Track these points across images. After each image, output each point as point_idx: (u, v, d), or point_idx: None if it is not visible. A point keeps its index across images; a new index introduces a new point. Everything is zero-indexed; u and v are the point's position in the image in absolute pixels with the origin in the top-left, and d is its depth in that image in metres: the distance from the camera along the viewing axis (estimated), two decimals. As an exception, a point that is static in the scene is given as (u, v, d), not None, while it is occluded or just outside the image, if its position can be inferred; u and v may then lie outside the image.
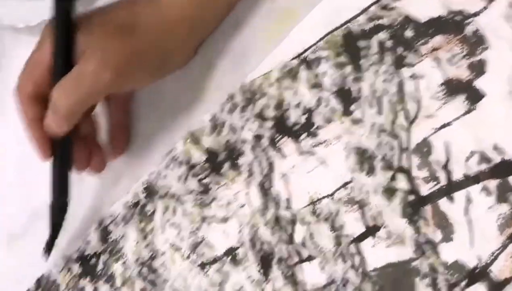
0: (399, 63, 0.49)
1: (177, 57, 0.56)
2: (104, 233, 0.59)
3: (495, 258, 0.44)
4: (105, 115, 0.59)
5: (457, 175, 0.46)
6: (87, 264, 0.59)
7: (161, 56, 0.54)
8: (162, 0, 0.53)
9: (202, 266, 0.54)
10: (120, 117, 0.59)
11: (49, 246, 0.58)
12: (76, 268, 0.59)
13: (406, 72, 0.49)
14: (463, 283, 0.45)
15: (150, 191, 0.57)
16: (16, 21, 0.68)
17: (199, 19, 0.55)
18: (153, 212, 0.57)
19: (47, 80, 0.53)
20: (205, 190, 0.55)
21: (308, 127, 0.52)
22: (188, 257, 0.55)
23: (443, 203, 0.46)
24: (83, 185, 0.61)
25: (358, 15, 0.51)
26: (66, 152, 0.55)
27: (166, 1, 0.53)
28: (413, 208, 0.47)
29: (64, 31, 0.53)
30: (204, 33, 0.56)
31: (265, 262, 0.52)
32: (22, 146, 0.65)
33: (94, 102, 0.54)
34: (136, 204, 0.58)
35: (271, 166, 0.53)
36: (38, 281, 0.61)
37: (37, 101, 0.54)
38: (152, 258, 0.56)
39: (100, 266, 0.58)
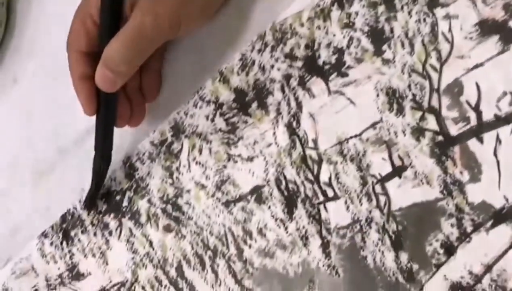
0: (433, 3, 0.48)
1: None
2: (130, 170, 0.59)
3: (523, 199, 0.43)
4: None
5: (488, 116, 0.45)
6: (112, 201, 0.59)
7: None
8: None
9: (227, 204, 0.54)
10: (153, 63, 0.59)
11: (90, 201, 0.59)
12: (101, 205, 0.60)
13: (440, 12, 0.48)
14: (489, 224, 0.44)
15: (177, 129, 0.57)
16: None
17: None
18: (180, 150, 0.57)
19: (97, 37, 0.53)
20: (232, 129, 0.55)
21: (338, 67, 0.51)
22: (213, 195, 0.55)
23: (472, 143, 0.46)
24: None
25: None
26: (113, 107, 0.55)
27: None
28: (441, 148, 0.47)
29: None
30: None
31: (290, 201, 0.52)
32: (51, 84, 0.66)
33: (147, 57, 0.53)
34: (162, 142, 0.58)
35: (299, 105, 0.52)
36: (63, 217, 0.61)
37: (87, 57, 0.54)
38: (177, 195, 0.56)
39: (125, 203, 0.59)
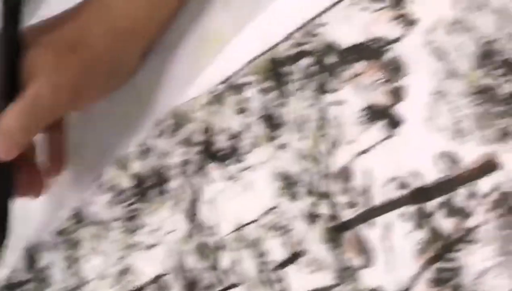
0: (322, 89, 0.49)
1: (128, 65, 0.55)
2: (31, 261, 0.58)
3: (414, 283, 0.44)
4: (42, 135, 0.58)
5: (376, 201, 0.46)
6: (14, 293, 0.58)
7: (113, 67, 0.53)
8: (109, 6, 0.52)
9: (128, 294, 0.53)
10: (57, 137, 0.58)
11: None
12: (3, 298, 0.58)
13: (328, 98, 0.49)
14: (383, 309, 0.45)
15: (78, 218, 0.57)
16: None
17: (145, 26, 0.54)
18: (80, 240, 0.56)
19: None
20: (132, 216, 0.54)
21: (234, 153, 0.52)
22: (114, 284, 0.54)
23: (362, 228, 0.46)
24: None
25: (283, 40, 0.51)
26: (10, 179, 0.53)
27: (113, 7, 0.52)
28: (334, 233, 0.47)
29: (11, 51, 0.51)
30: (150, 39, 0.56)
31: (191, 289, 0.51)
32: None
33: (45, 126, 0.52)
34: (62, 232, 0.57)
35: (197, 191, 0.52)
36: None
37: None
38: (79, 286, 0.55)
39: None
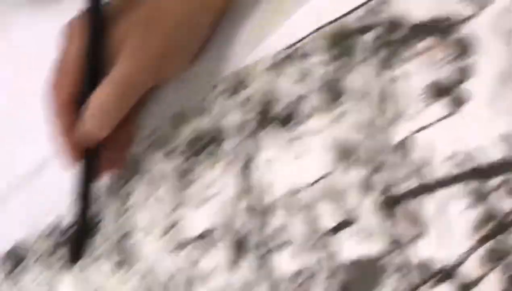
0: (385, 63, 0.50)
1: (203, 32, 0.56)
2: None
3: (465, 259, 0.44)
4: None
5: (434, 176, 0.47)
6: (60, 237, 0.59)
7: (191, 33, 0.54)
8: None
9: (175, 247, 0.54)
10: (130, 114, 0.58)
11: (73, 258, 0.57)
12: (49, 243, 0.59)
13: (391, 73, 0.49)
14: (431, 282, 0.45)
15: (132, 169, 0.57)
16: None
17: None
18: (131, 191, 0.57)
19: (80, 84, 0.52)
20: (186, 171, 0.55)
21: (292, 119, 0.52)
22: (161, 237, 0.55)
23: (418, 202, 0.47)
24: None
25: (352, 10, 0.52)
26: (95, 160, 0.54)
27: None
28: (388, 205, 0.48)
29: (96, 29, 0.51)
30: (220, 7, 0.56)
31: (239, 248, 0.52)
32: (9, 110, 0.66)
33: (133, 103, 0.53)
34: (116, 181, 0.58)
35: (251, 154, 0.53)
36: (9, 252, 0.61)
37: (70, 107, 0.53)
38: (125, 236, 0.56)
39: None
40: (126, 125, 0.56)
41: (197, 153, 0.55)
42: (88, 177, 0.54)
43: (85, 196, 0.54)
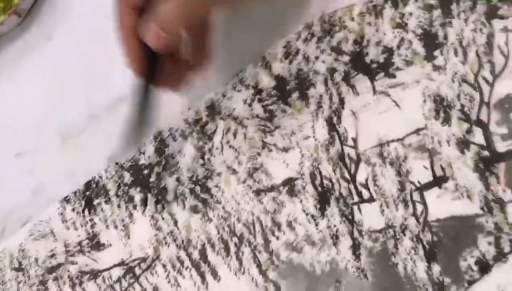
0: (492, 14, 0.47)
1: None
2: (160, 146, 0.58)
3: None
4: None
5: (538, 136, 0.45)
6: (139, 174, 0.59)
7: None
8: None
9: (257, 192, 0.53)
10: (202, 35, 0.57)
11: None
12: (128, 177, 0.59)
13: (497, 24, 0.47)
14: (528, 247, 0.44)
15: (213, 110, 0.56)
16: None
17: None
18: (214, 132, 0.56)
19: None
20: (270, 116, 0.54)
21: (386, 67, 0.50)
22: (244, 181, 0.54)
23: (518, 162, 0.45)
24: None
25: (455, -42, 0.49)
26: (156, 67, 0.52)
27: None
28: (486, 163, 0.46)
29: None
30: None
31: (323, 198, 0.51)
32: (87, 45, 0.65)
33: (202, 16, 0.51)
34: (196, 121, 0.57)
35: (341, 101, 0.52)
36: (88, 184, 0.61)
37: (138, 12, 0.51)
38: (207, 177, 0.56)
39: (152, 178, 0.58)
40: (197, 46, 0.54)
41: (283, 97, 0.54)
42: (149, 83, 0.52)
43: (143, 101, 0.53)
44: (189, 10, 0.49)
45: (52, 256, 0.61)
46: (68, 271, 0.60)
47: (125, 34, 0.51)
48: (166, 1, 0.49)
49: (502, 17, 0.47)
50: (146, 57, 0.51)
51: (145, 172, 0.58)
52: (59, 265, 0.61)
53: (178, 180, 0.57)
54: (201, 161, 0.56)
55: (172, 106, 0.58)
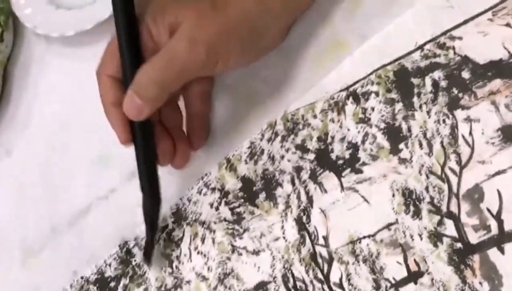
0: (454, 104, 0.47)
1: (270, 35, 0.53)
2: (127, 256, 0.57)
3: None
4: (185, 105, 0.56)
5: (510, 225, 0.44)
6: (106, 287, 0.57)
7: (255, 33, 0.51)
8: None
9: (230, 298, 0.52)
10: (200, 107, 0.56)
11: (148, 250, 0.55)
12: (94, 290, 0.57)
13: (460, 114, 0.47)
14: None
15: (179, 216, 0.55)
16: (50, 31, 0.67)
17: (289, 3, 0.52)
18: (181, 238, 0.55)
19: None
20: (238, 219, 0.53)
21: (352, 163, 0.50)
22: (215, 288, 0.52)
23: (492, 253, 0.44)
24: (107, 201, 0.59)
25: (413, 51, 0.50)
26: (150, 138, 0.52)
27: None
28: (460, 256, 0.45)
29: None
30: (297, 9, 0.54)
31: (297, 300, 0.49)
32: (47, 160, 0.64)
33: (180, 85, 0.51)
34: (163, 229, 0.56)
35: (310, 200, 0.51)
36: (53, 300, 0.59)
37: (118, 83, 0.51)
38: (176, 286, 0.54)
39: (120, 290, 0.56)
40: (193, 121, 0.55)
41: (250, 199, 0.53)
42: (147, 159, 0.52)
43: (147, 179, 0.52)
44: (166, 77, 0.49)
45: None
46: None
47: (106, 106, 0.51)
48: (143, 68, 0.48)
49: (464, 107, 0.47)
50: (132, 128, 0.51)
51: (112, 284, 0.56)
52: None
53: (146, 290, 0.55)
54: (169, 269, 0.55)
55: (137, 215, 0.57)
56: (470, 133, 0.46)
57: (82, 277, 0.58)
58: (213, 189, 0.54)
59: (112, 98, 0.51)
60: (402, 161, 0.48)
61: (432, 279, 0.46)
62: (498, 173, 0.45)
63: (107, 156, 0.61)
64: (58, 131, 0.64)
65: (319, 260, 0.49)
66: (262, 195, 0.52)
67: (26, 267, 0.62)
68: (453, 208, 0.46)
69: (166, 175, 0.54)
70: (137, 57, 0.50)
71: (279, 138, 0.53)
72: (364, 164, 0.49)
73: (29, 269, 0.62)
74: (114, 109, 0.51)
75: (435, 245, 0.46)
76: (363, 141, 0.50)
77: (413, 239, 0.47)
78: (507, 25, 0.47)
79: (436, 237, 0.46)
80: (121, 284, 0.56)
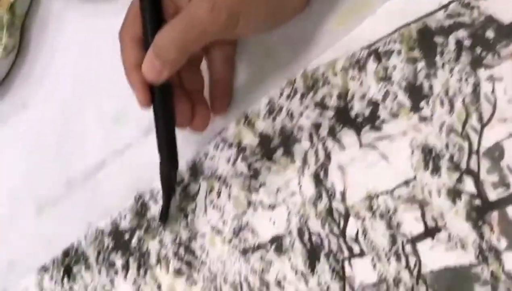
0: (477, 63, 0.47)
1: (292, 2, 0.53)
2: (142, 209, 0.57)
3: None
4: (208, 70, 0.56)
5: (531, 183, 0.44)
6: (120, 239, 0.57)
7: (277, 2, 0.51)
8: None
9: (244, 251, 0.52)
10: (223, 72, 0.56)
11: (164, 212, 0.55)
12: (108, 242, 0.57)
13: (483, 73, 0.47)
14: (527, 296, 0.43)
15: (195, 171, 0.55)
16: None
17: None
18: (197, 192, 0.55)
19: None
20: (254, 174, 0.53)
21: (372, 120, 0.50)
22: (229, 241, 0.53)
23: (511, 210, 0.44)
24: (123, 156, 0.59)
25: (437, 10, 0.50)
26: (169, 101, 0.52)
27: None
28: (479, 212, 0.45)
29: None
30: None
31: (313, 254, 0.50)
32: (63, 114, 0.64)
33: (199, 47, 0.51)
34: (179, 183, 0.56)
35: (328, 156, 0.51)
36: (66, 252, 0.59)
37: (140, 46, 0.51)
38: (191, 238, 0.54)
39: (134, 242, 0.56)
40: (215, 85, 0.55)
41: (267, 155, 0.53)
42: (166, 121, 0.52)
43: (166, 142, 0.52)
44: (185, 39, 0.49)
45: (29, 328, 0.58)
46: None
47: (127, 68, 0.51)
48: (163, 29, 0.48)
49: (487, 67, 0.47)
50: (152, 92, 0.51)
51: (126, 236, 0.57)
52: (36, 337, 0.58)
53: (161, 242, 0.55)
54: (184, 223, 0.55)
55: (152, 169, 0.57)
56: (493, 92, 0.46)
57: (96, 229, 0.58)
58: (230, 145, 0.54)
59: (133, 60, 0.51)
60: (423, 119, 0.48)
61: (450, 235, 0.46)
62: (519, 131, 0.45)
63: (124, 111, 0.61)
64: (75, 87, 0.64)
65: (336, 215, 0.49)
66: (280, 151, 0.53)
67: (40, 219, 0.62)
68: (473, 165, 0.46)
69: (183, 130, 0.54)
70: (158, 20, 0.50)
71: (298, 95, 0.53)
72: (384, 121, 0.50)
73: (43, 221, 0.62)
74: (135, 72, 0.51)
75: (453, 202, 0.46)
76: (383, 99, 0.50)
77: (431, 196, 0.47)
78: (534, -16, 0.47)
79: (454, 194, 0.46)
80: (136, 236, 0.56)
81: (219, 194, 0.54)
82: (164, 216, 0.55)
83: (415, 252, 0.46)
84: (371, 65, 0.51)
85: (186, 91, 0.54)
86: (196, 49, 0.50)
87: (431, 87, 0.48)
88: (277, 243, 0.51)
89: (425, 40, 0.50)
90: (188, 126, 0.54)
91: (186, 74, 0.54)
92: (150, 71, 0.49)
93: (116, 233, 0.57)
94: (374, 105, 0.50)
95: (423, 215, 0.47)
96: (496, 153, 0.45)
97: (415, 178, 0.47)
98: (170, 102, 0.52)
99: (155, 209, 0.56)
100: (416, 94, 0.49)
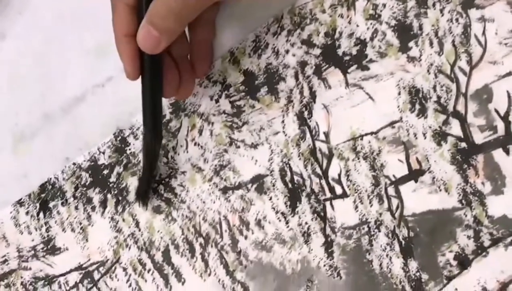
0: (468, 3, 0.46)
1: None
2: (121, 144, 0.55)
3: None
4: (189, 33, 0.54)
5: (517, 127, 0.43)
6: (98, 174, 0.56)
7: None
8: None
9: (224, 190, 0.51)
10: (205, 34, 0.54)
11: (143, 190, 0.53)
12: (86, 177, 0.56)
13: (474, 13, 0.46)
14: (509, 240, 0.42)
15: (177, 107, 0.54)
16: None
17: None
18: (178, 129, 0.54)
19: None
20: (238, 112, 0.52)
21: (359, 60, 0.49)
22: (210, 179, 0.52)
23: (497, 154, 0.44)
24: (103, 89, 0.58)
25: None
26: (159, 73, 0.49)
27: None
28: (464, 155, 0.44)
29: None
30: None
31: (294, 194, 0.49)
32: (43, 47, 0.62)
33: (197, 14, 0.48)
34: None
35: (313, 95, 0.50)
36: (43, 186, 0.58)
37: (134, 11, 0.48)
38: (171, 176, 0.53)
39: (112, 178, 0.55)
40: (197, 48, 0.53)
41: (251, 92, 0.51)
42: (153, 94, 0.49)
43: (151, 114, 0.50)
44: (184, 6, 0.46)
45: (4, 261, 0.57)
46: (21, 277, 0.57)
47: (118, 36, 0.48)
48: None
49: (478, 7, 0.46)
50: (142, 61, 0.48)
51: (105, 172, 0.55)
52: (12, 271, 0.57)
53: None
54: (164, 159, 0.54)
55: (135, 103, 0.55)
56: (483, 33, 0.45)
57: (74, 164, 0.56)
58: (215, 82, 0.53)
59: (126, 28, 0.48)
60: (411, 59, 0.47)
61: (434, 178, 0.45)
62: (509, 73, 0.44)
63: (105, 45, 0.59)
64: (55, 19, 0.62)
65: (319, 155, 0.49)
66: (264, 89, 0.51)
67: (16, 152, 0.61)
68: (460, 108, 0.45)
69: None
70: None
71: (285, 32, 0.52)
72: (371, 61, 0.48)
73: (19, 154, 0.61)
74: (126, 41, 0.49)
75: (439, 144, 0.45)
76: (371, 38, 0.49)
77: (416, 138, 0.46)
78: None
79: (440, 136, 0.45)
80: (115, 172, 0.55)
81: (200, 131, 0.53)
82: (143, 194, 0.54)
83: (398, 194, 0.46)
84: (360, 2, 0.49)
85: (173, 58, 0.51)
86: (194, 16, 0.47)
87: (420, 27, 0.47)
88: (259, 182, 0.50)
89: (417, -22, 0.48)
90: (174, 95, 0.52)
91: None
92: (147, 41, 0.47)
93: (94, 168, 0.56)
94: (362, 44, 0.49)
95: (407, 157, 0.46)
96: (484, 95, 0.44)
97: (401, 119, 0.46)
98: (159, 76, 0.49)
99: (134, 145, 0.55)
100: (405, 33, 0.48)
